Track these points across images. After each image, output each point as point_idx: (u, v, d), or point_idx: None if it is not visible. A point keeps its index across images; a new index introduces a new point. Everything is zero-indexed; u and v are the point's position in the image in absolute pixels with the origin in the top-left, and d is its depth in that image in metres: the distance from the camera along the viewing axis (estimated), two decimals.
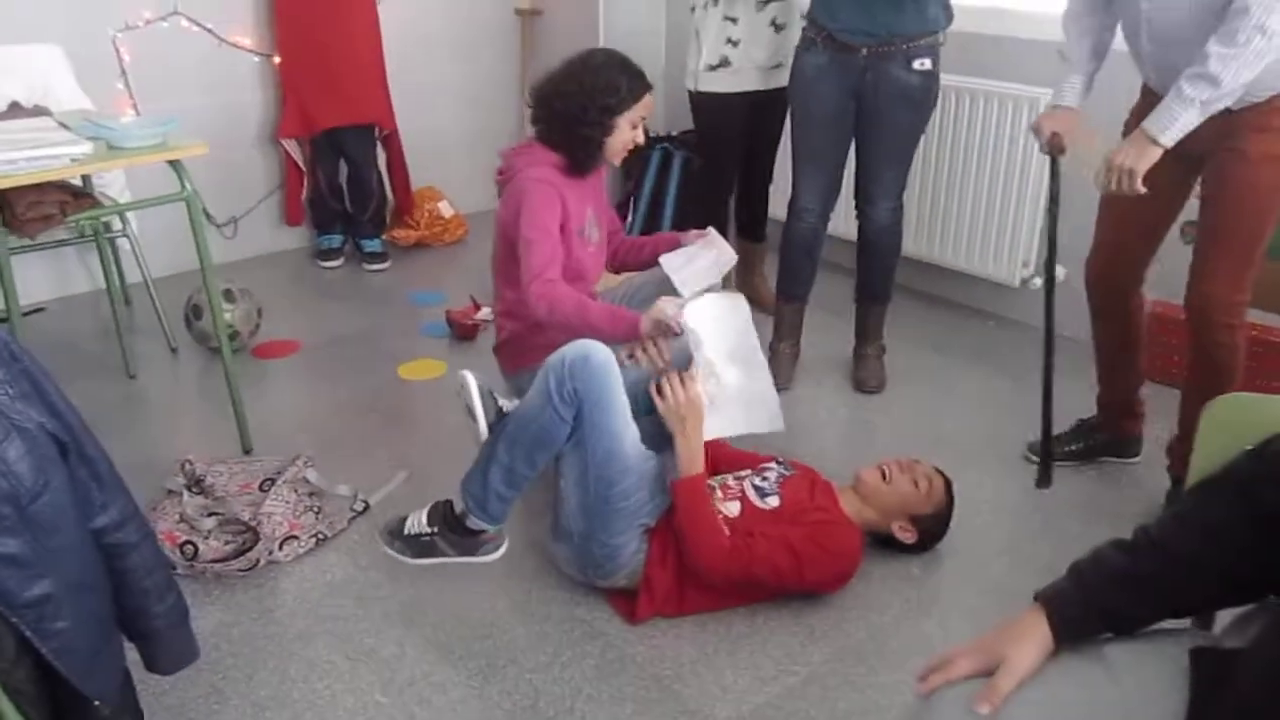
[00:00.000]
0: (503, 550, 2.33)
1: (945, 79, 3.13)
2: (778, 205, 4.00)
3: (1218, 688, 1.10)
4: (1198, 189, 2.49)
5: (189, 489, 2.57)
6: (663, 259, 2.62)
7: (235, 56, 4.21)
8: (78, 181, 2.90)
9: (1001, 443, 3.00)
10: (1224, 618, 1.30)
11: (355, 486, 2.71)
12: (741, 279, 3.97)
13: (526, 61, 5.08)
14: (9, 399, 1.40)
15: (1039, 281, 3.66)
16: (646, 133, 2.69)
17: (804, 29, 3.15)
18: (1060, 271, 3.59)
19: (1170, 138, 2.19)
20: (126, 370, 3.42)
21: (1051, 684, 1.19)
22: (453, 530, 2.30)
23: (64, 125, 2.65)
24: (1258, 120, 2.23)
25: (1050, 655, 1.22)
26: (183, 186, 2.63)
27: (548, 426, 2.18)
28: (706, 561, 2.19)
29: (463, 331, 3.69)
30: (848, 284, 3.45)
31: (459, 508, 2.30)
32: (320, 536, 2.52)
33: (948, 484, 2.48)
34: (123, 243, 3.66)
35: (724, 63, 3.47)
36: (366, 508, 2.66)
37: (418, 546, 2.31)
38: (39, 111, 2.92)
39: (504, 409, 2.32)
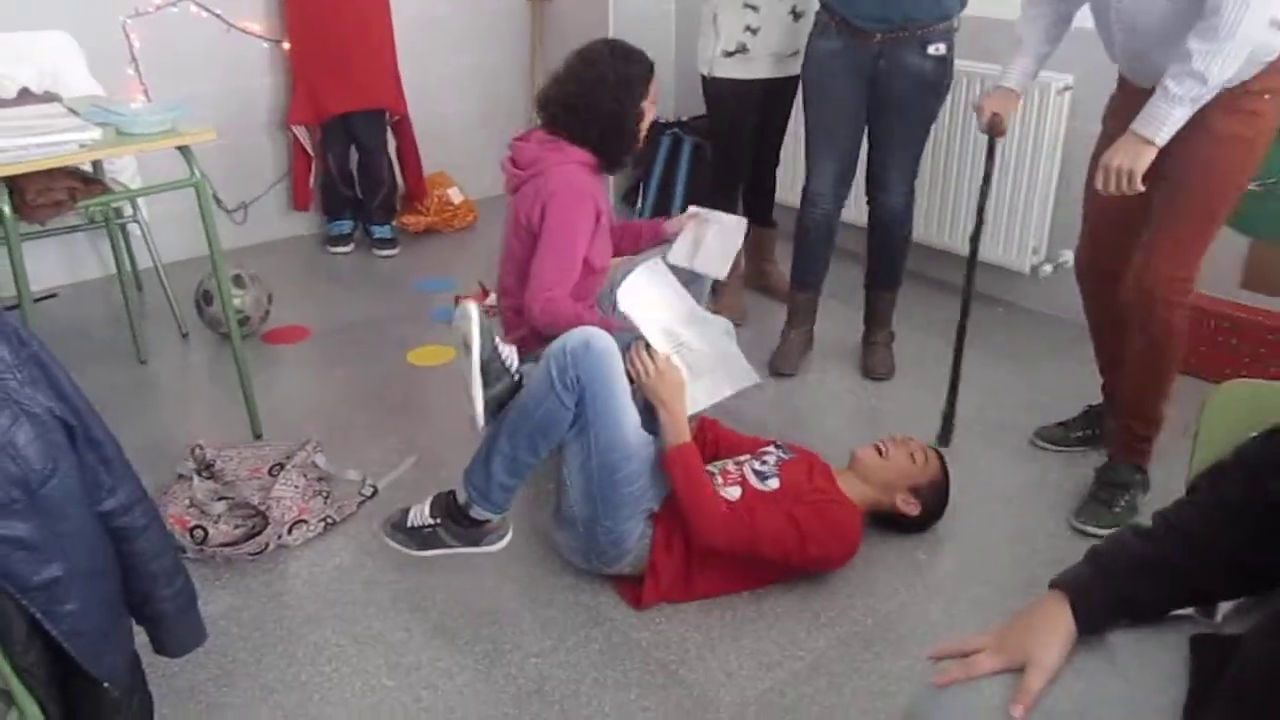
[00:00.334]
0: (507, 540, 2.34)
1: (958, 64, 3.11)
2: (786, 190, 4.01)
3: (1218, 675, 1.10)
4: None
5: (199, 473, 2.59)
6: (669, 257, 2.61)
7: (245, 42, 4.22)
8: (88, 168, 2.92)
9: (1010, 430, 3.00)
10: (1225, 606, 1.30)
11: (364, 471, 2.72)
12: (752, 265, 3.96)
13: (536, 47, 5.07)
14: (18, 384, 1.41)
15: (1049, 268, 3.66)
16: (655, 118, 2.69)
17: (817, 14, 3.14)
18: (1068, 255, 3.59)
19: (1163, 137, 2.19)
20: (138, 355, 3.44)
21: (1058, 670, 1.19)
22: (456, 521, 2.31)
23: (73, 111, 2.66)
24: (1229, 102, 2.23)
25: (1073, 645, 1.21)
26: (192, 172, 2.64)
27: (550, 414, 2.19)
28: (707, 529, 2.20)
29: None
30: (857, 270, 3.44)
31: (462, 498, 2.31)
32: (329, 521, 2.54)
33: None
34: (134, 228, 3.66)
35: (741, 49, 3.45)
36: (375, 492, 2.67)
37: (420, 538, 2.32)
38: (49, 98, 2.93)
39: (501, 351, 2.28)
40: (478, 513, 2.29)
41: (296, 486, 2.53)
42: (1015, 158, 3.62)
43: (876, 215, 3.28)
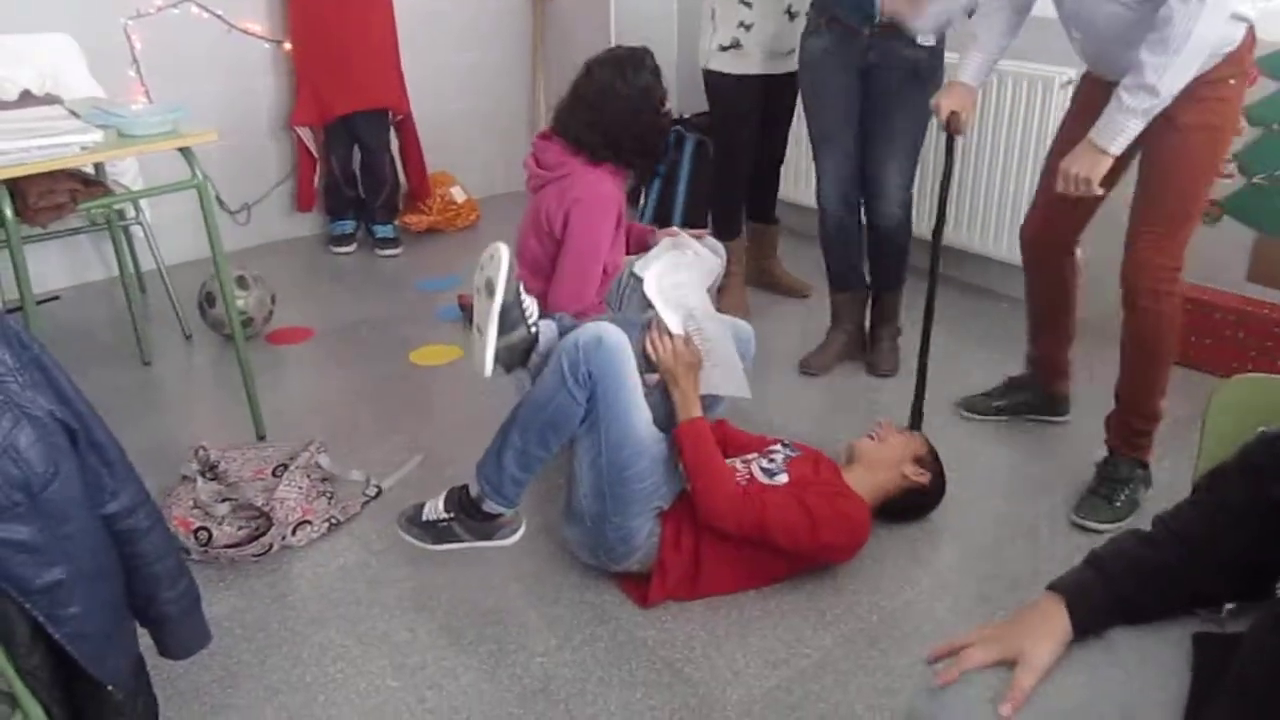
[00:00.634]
0: (520, 534, 2.34)
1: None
2: (789, 187, 4.01)
3: (1220, 672, 1.10)
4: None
5: (203, 475, 2.58)
6: (635, 266, 2.59)
7: (246, 43, 4.22)
8: (90, 170, 2.92)
9: (1014, 426, 2.99)
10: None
11: (368, 471, 2.72)
12: (754, 261, 3.96)
13: (538, 45, 5.06)
14: (19, 387, 1.41)
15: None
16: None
17: (808, 14, 3.14)
18: (1076, 252, 3.57)
19: (1118, 147, 2.25)
20: (141, 357, 3.44)
21: (1055, 667, 1.18)
22: (469, 515, 2.30)
23: (74, 114, 2.65)
24: (1194, 93, 2.25)
25: (1068, 647, 1.21)
26: (194, 174, 2.64)
27: (562, 409, 2.18)
28: (718, 506, 2.20)
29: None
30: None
31: (474, 492, 2.30)
32: (333, 521, 2.54)
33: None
34: (136, 230, 3.66)
35: (735, 45, 3.45)
36: (379, 493, 2.67)
37: (435, 532, 2.32)
38: (50, 100, 2.92)
39: (524, 300, 2.26)
40: (490, 507, 2.29)
41: (300, 487, 2.53)
42: (1019, 152, 3.61)
43: (874, 223, 3.23)
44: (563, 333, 2.27)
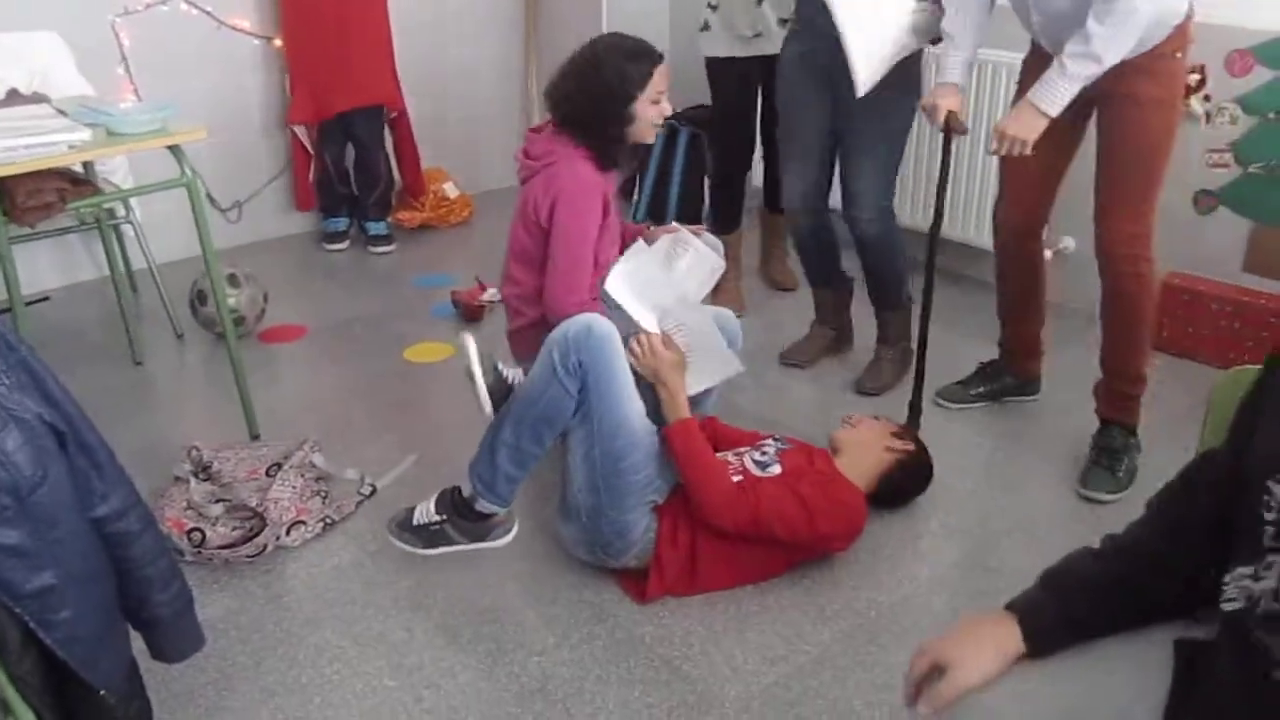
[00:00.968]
0: (513, 534, 2.32)
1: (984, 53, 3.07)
2: None
3: (1199, 678, 1.10)
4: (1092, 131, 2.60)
5: (196, 475, 2.57)
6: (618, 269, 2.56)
7: (236, 39, 4.19)
8: (79, 169, 2.89)
9: (1012, 417, 2.98)
10: None
11: (362, 470, 2.70)
12: (762, 253, 3.96)
13: (531, 40, 5.04)
14: (6, 389, 1.39)
15: (1048, 255, 3.62)
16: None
17: (789, 18, 3.14)
18: (1070, 242, 3.59)
19: (1056, 109, 2.35)
20: (133, 357, 3.42)
21: (1038, 671, 1.19)
22: (462, 516, 2.29)
23: (62, 112, 2.63)
24: (1146, 66, 2.36)
25: (1015, 664, 1.22)
26: (183, 171, 2.62)
27: (554, 402, 2.17)
28: (713, 503, 2.19)
29: (469, 313, 3.67)
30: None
31: (467, 491, 2.29)
32: (328, 521, 2.52)
33: None
34: (127, 229, 3.65)
35: (705, 26, 3.48)
36: (374, 491, 2.65)
37: (427, 536, 2.30)
38: (38, 98, 2.89)
39: (504, 373, 2.32)
40: (483, 506, 2.28)
41: (294, 487, 2.51)
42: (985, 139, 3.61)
43: (853, 235, 3.11)
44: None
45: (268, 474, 2.57)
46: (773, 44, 3.33)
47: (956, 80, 2.67)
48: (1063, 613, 1.24)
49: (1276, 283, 3.20)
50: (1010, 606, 1.27)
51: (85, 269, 4.07)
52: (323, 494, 2.57)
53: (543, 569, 2.38)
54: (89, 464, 1.53)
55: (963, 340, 3.32)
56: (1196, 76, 3.17)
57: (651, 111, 2.47)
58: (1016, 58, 3.36)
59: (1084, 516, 2.55)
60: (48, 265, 3.94)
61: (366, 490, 2.64)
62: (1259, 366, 1.20)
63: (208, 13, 4.08)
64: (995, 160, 3.60)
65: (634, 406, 2.22)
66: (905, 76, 2.86)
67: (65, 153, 2.42)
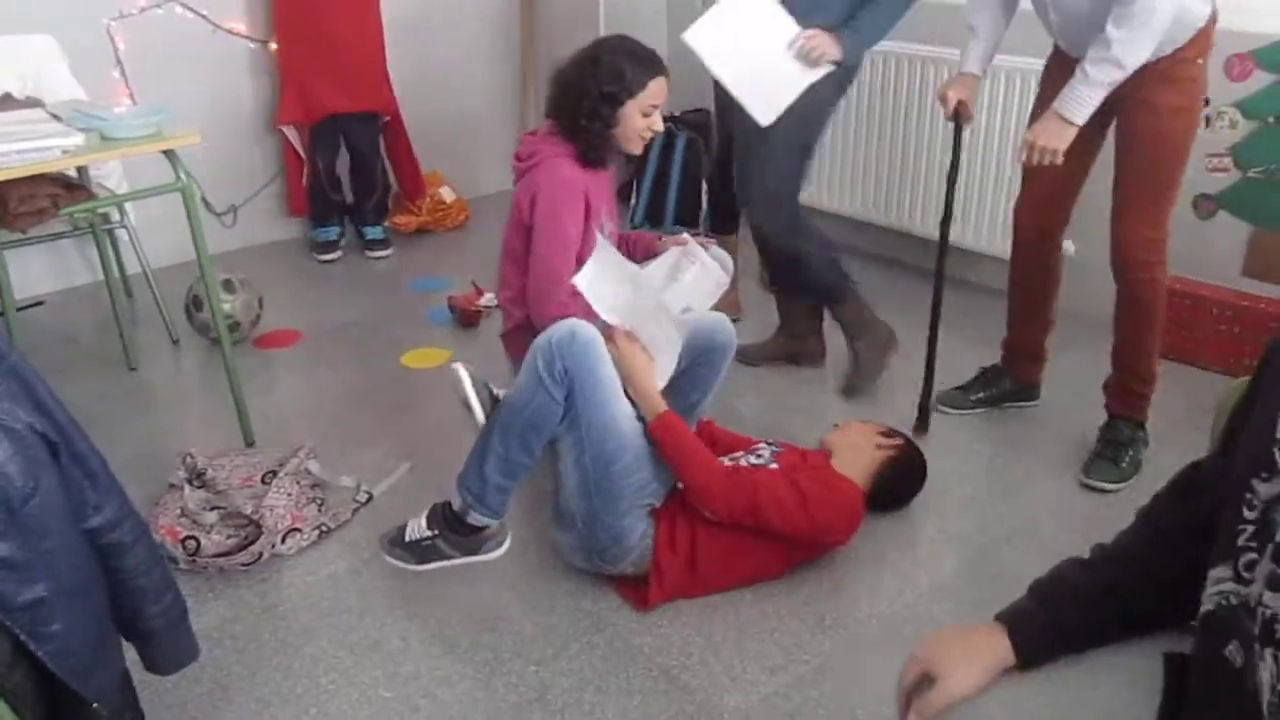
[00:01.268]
0: (505, 546, 2.31)
1: (924, 49, 3.07)
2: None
3: (1188, 691, 1.08)
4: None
5: (190, 483, 2.54)
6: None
7: (231, 43, 4.17)
8: (72, 173, 2.87)
9: (1016, 423, 2.97)
10: None
11: (358, 477, 2.68)
12: (760, 258, 3.94)
13: (527, 43, 5.02)
14: None
15: None
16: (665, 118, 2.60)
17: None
18: (1070, 245, 3.56)
19: (1082, 117, 2.36)
20: (127, 363, 3.40)
21: (1028, 682, 1.18)
22: (454, 530, 2.27)
23: (55, 117, 2.61)
24: (1164, 73, 2.37)
25: (1004, 676, 1.21)
26: (177, 176, 2.60)
27: (540, 409, 2.15)
28: (707, 490, 2.17)
29: (466, 318, 3.65)
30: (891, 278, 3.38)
31: (457, 505, 2.27)
32: (323, 529, 2.50)
33: None
34: (121, 233, 3.63)
35: None
36: (370, 499, 2.63)
37: (420, 552, 2.28)
38: (32, 103, 2.88)
39: (499, 396, 2.30)
40: (475, 519, 2.26)
41: (290, 494, 2.49)
42: (997, 144, 3.61)
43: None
44: None
45: (263, 481, 2.54)
46: None
47: (974, 71, 2.71)
48: (1051, 622, 1.23)
49: (1276, 287, 3.19)
50: (999, 617, 1.26)
51: (79, 273, 4.05)
52: (318, 501, 2.55)
53: (539, 577, 2.36)
54: (82, 474, 1.51)
55: (965, 345, 3.29)
56: None
57: (640, 122, 2.45)
58: (1004, 60, 3.38)
59: (1087, 521, 2.53)
60: (41, 269, 3.93)
61: (362, 498, 2.62)
62: None
63: (203, 16, 4.07)
64: (999, 166, 3.63)
65: (622, 410, 2.20)
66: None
67: (59, 158, 2.40)
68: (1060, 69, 2.54)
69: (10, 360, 1.43)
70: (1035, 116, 2.64)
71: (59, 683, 1.46)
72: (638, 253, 2.69)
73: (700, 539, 2.22)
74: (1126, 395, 2.72)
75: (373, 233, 4.42)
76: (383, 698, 2.03)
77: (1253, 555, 1.02)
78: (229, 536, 2.39)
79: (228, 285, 3.42)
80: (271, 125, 4.32)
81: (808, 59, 2.78)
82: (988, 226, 3.69)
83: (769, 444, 2.46)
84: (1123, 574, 1.23)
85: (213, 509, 2.44)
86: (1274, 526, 0.99)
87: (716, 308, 2.70)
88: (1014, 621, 1.24)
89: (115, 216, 3.52)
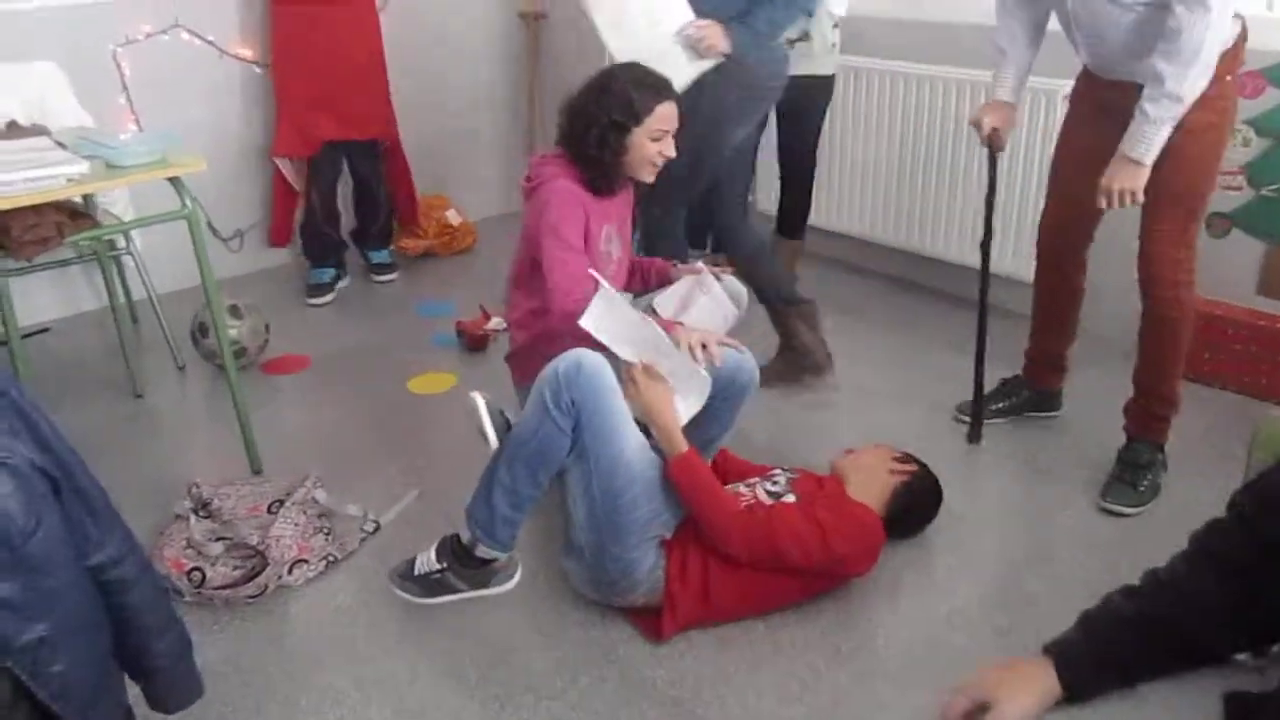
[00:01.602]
0: (516, 579, 2.27)
1: (967, 74, 3.04)
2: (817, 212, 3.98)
3: None
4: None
5: (196, 513, 2.51)
6: (655, 303, 2.54)
7: (238, 68, 4.17)
8: (78, 200, 2.86)
9: (1032, 447, 2.93)
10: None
11: (366, 506, 2.65)
12: None
13: (533, 65, 5.02)
14: None
15: None
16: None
17: (800, 38, 3.26)
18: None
19: (1152, 156, 2.33)
20: (133, 390, 3.38)
21: (1079, 717, 1.14)
22: (463, 563, 2.24)
23: (61, 144, 2.60)
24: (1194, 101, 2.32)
25: (1054, 710, 1.19)
26: (183, 204, 2.58)
27: (547, 441, 2.12)
28: (725, 530, 2.14)
29: (473, 342, 3.63)
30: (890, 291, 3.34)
31: (466, 537, 2.24)
32: (330, 559, 2.47)
33: None
34: (127, 260, 3.61)
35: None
36: (378, 528, 2.60)
37: (429, 585, 2.25)
38: (37, 130, 2.87)
39: (514, 424, 2.26)
40: (483, 551, 2.23)
41: (296, 524, 2.46)
42: (1039, 173, 3.56)
43: None
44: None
45: (269, 511, 2.51)
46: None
47: (1006, 98, 2.73)
48: (1100, 654, 1.20)
49: None
50: (1047, 649, 1.24)
51: (86, 299, 4.04)
52: (325, 531, 2.52)
53: (550, 607, 2.33)
54: (83, 510, 1.48)
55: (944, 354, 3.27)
56: None
57: (650, 148, 2.43)
58: (1054, 82, 3.34)
59: (1106, 546, 2.49)
60: (47, 296, 3.91)
61: (370, 527, 2.59)
62: None
63: (209, 41, 4.06)
64: (1022, 189, 3.61)
65: (631, 441, 2.16)
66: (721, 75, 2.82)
67: (63, 186, 2.38)
68: (1090, 90, 2.56)
69: (11, 395, 1.40)
70: (1064, 137, 2.73)
71: None
72: (651, 279, 2.65)
73: (713, 571, 2.18)
74: (1147, 418, 2.69)
75: (378, 257, 4.39)
76: None
77: None
78: (235, 568, 2.36)
79: (234, 311, 3.40)
80: (268, 156, 4.24)
81: (695, 48, 2.75)
82: (997, 249, 3.65)
83: (785, 470, 2.42)
84: (1176, 603, 1.20)
85: (218, 540, 2.41)
86: None
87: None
88: (1061, 653, 1.21)
89: (121, 243, 3.51)
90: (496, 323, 3.63)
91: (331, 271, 4.25)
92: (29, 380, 2.43)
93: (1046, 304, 2.94)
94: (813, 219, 4.05)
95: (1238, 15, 2.33)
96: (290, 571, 2.38)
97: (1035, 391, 3.06)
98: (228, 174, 4.14)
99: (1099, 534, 2.55)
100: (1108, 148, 2.42)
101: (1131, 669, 1.20)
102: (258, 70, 4.20)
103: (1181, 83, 2.22)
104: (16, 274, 2.79)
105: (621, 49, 2.79)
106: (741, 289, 2.59)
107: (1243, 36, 2.38)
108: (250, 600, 2.33)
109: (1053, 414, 3.07)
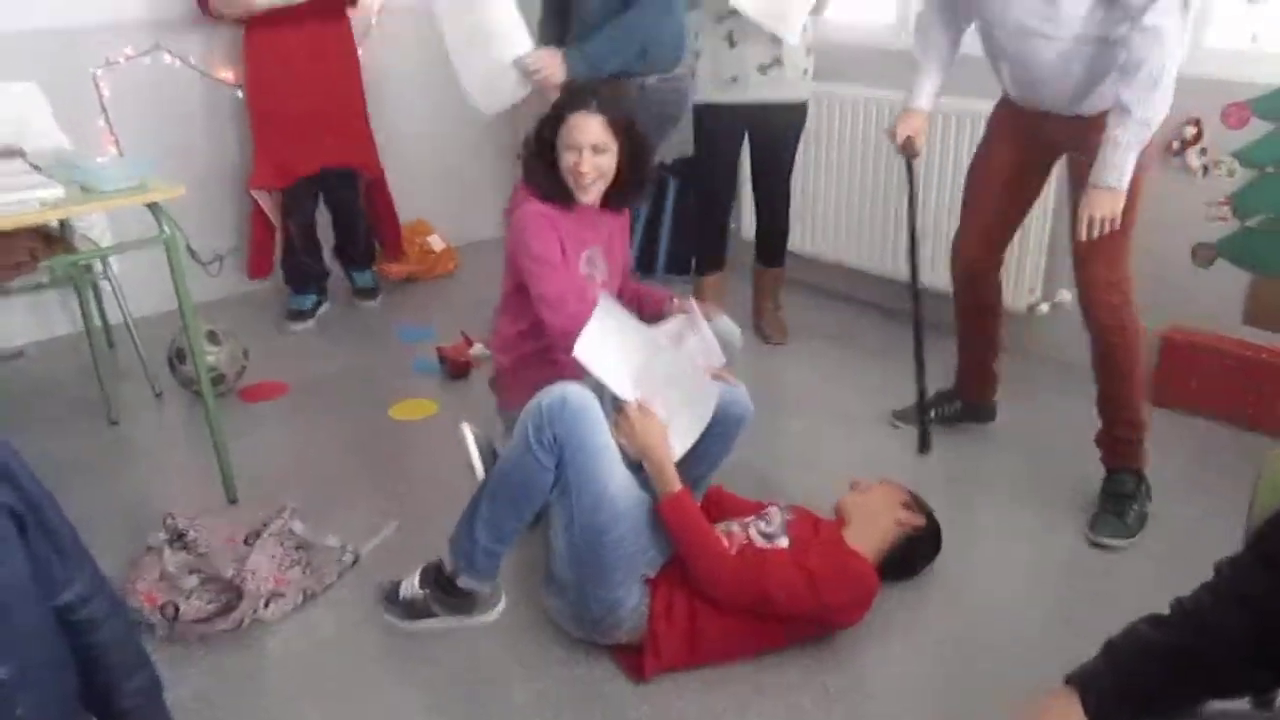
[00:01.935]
0: (499, 610, 2.23)
1: (949, 102, 3.05)
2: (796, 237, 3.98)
3: None
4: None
5: (171, 544, 2.45)
6: None
7: (219, 91, 4.13)
8: (54, 224, 2.81)
9: (1017, 480, 2.91)
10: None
11: (344, 537, 2.60)
12: (754, 306, 3.92)
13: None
14: None
15: (1045, 308, 3.59)
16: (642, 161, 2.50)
17: (769, 64, 3.39)
18: (1067, 295, 3.54)
19: (1126, 182, 2.37)
20: (108, 416, 3.32)
21: None
22: (445, 592, 2.20)
23: (36, 167, 2.55)
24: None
25: None
26: (161, 229, 2.54)
27: (530, 476, 2.08)
28: (713, 576, 2.09)
29: (455, 369, 3.59)
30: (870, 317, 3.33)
31: (448, 567, 2.20)
32: (308, 592, 2.41)
33: None
34: (104, 284, 3.56)
35: (691, 73, 3.50)
36: (356, 560, 2.55)
37: (411, 610, 2.22)
38: (11, 152, 2.82)
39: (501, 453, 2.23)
40: (465, 582, 2.19)
41: (273, 556, 2.41)
42: (936, 183, 3.65)
43: None
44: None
45: (246, 542, 2.46)
46: (751, 91, 3.45)
47: (924, 106, 2.82)
48: (1124, 685, 1.19)
49: (1278, 335, 3.15)
50: (1070, 679, 1.22)
51: (61, 323, 3.98)
52: (303, 564, 2.46)
53: (533, 642, 2.27)
54: (51, 548, 1.44)
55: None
56: (1193, 130, 3.15)
57: (567, 159, 2.39)
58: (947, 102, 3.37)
59: (1097, 578, 2.46)
60: (22, 319, 3.86)
61: (349, 559, 2.54)
62: None
63: (191, 64, 4.03)
64: (942, 204, 3.67)
65: (616, 478, 2.11)
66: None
67: (38, 210, 2.34)
68: (1010, 116, 2.68)
69: None
70: (981, 158, 2.81)
71: None
72: (645, 311, 2.62)
73: (700, 613, 2.13)
74: (1119, 445, 2.70)
75: (362, 279, 4.33)
76: None
77: None
78: (209, 601, 2.30)
79: (212, 337, 3.35)
80: (245, 188, 4.12)
81: (531, 79, 2.87)
82: (943, 265, 3.68)
83: (780, 508, 2.37)
84: (1201, 636, 1.18)
85: (193, 572, 2.36)
86: None
87: None
88: (1085, 683, 1.20)
89: (98, 267, 3.45)
90: (478, 349, 3.59)
91: (313, 298, 4.19)
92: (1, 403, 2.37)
93: (968, 318, 3.01)
94: (797, 246, 4.04)
95: None
96: (267, 605, 2.33)
97: (965, 402, 3.15)
98: (208, 197, 4.09)
99: (1089, 567, 2.52)
100: (1026, 169, 2.63)
101: (1156, 700, 1.18)
102: (239, 94, 4.15)
103: (1149, 109, 2.28)
104: None
105: (461, 70, 2.95)
106: (734, 331, 2.54)
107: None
108: (225, 634, 2.27)
109: (987, 424, 3.15)
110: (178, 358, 3.34)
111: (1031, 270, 3.55)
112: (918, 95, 2.81)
